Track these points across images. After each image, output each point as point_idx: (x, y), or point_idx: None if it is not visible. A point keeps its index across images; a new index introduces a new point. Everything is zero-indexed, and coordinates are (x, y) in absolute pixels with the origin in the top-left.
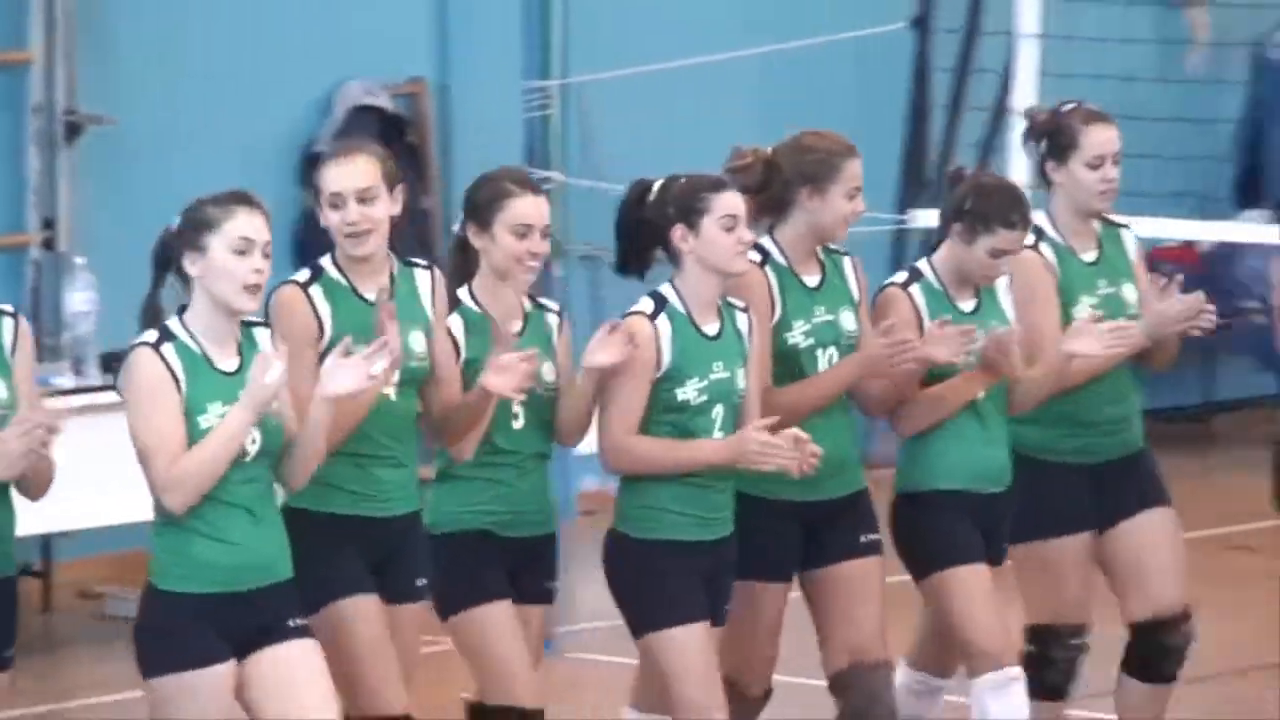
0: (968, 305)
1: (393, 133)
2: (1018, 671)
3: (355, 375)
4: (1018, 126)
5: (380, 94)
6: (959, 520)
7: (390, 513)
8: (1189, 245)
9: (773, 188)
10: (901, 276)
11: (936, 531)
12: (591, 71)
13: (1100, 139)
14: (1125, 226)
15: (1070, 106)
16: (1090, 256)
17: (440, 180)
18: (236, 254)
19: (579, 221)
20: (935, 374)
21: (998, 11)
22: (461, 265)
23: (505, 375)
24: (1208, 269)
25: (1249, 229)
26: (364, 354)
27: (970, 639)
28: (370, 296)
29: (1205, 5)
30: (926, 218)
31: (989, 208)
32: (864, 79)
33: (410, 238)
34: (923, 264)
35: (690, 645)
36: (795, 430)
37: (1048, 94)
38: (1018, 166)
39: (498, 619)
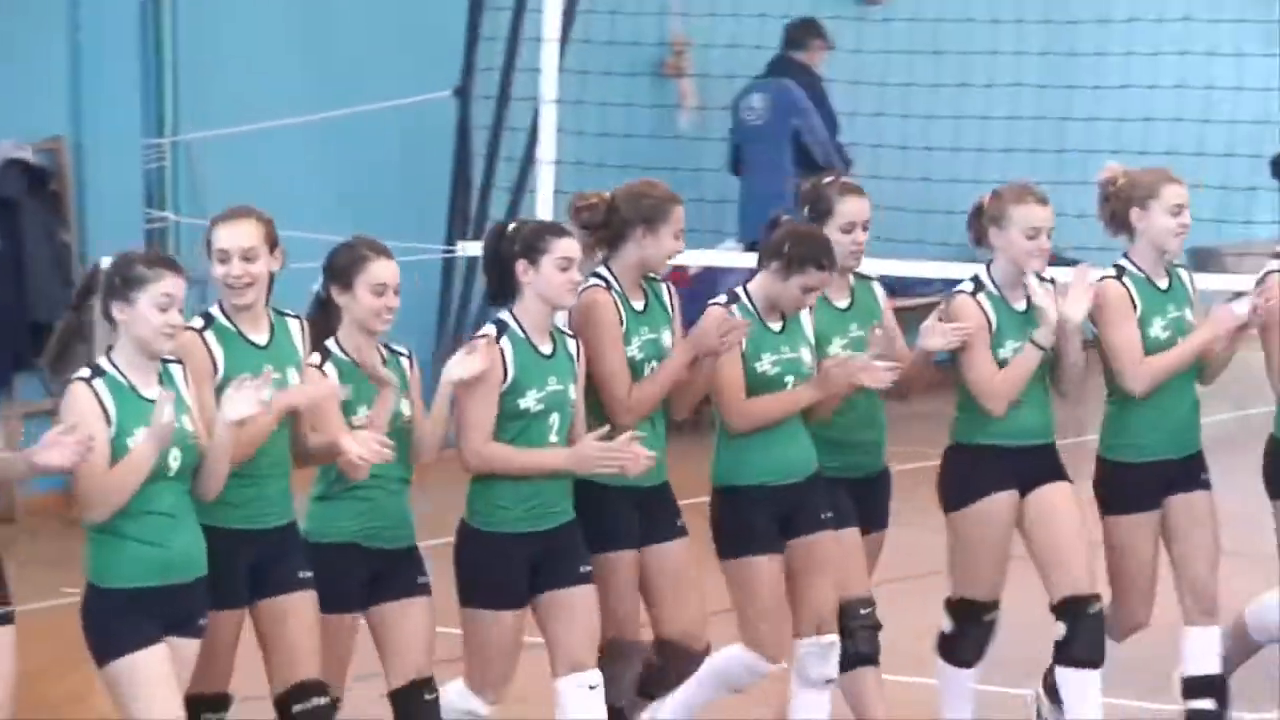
0: (776, 327)
1: (38, 182)
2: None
3: (249, 401)
4: (543, 174)
5: (26, 149)
6: (759, 514)
7: (275, 523)
8: (682, 269)
9: (611, 225)
10: (723, 299)
11: (740, 523)
12: (198, 130)
13: (853, 208)
14: (876, 279)
15: (830, 180)
16: (843, 304)
17: (76, 220)
18: (160, 309)
19: (187, 253)
20: (754, 387)
21: (524, 81)
22: (322, 321)
23: (361, 446)
24: (697, 286)
25: (725, 256)
26: (254, 384)
27: (745, 622)
28: (254, 339)
29: (691, 76)
30: (470, 248)
31: (805, 251)
32: (419, 135)
33: (52, 264)
34: (740, 290)
35: (494, 630)
36: (632, 433)
37: (565, 148)
38: (543, 206)
39: (349, 629)
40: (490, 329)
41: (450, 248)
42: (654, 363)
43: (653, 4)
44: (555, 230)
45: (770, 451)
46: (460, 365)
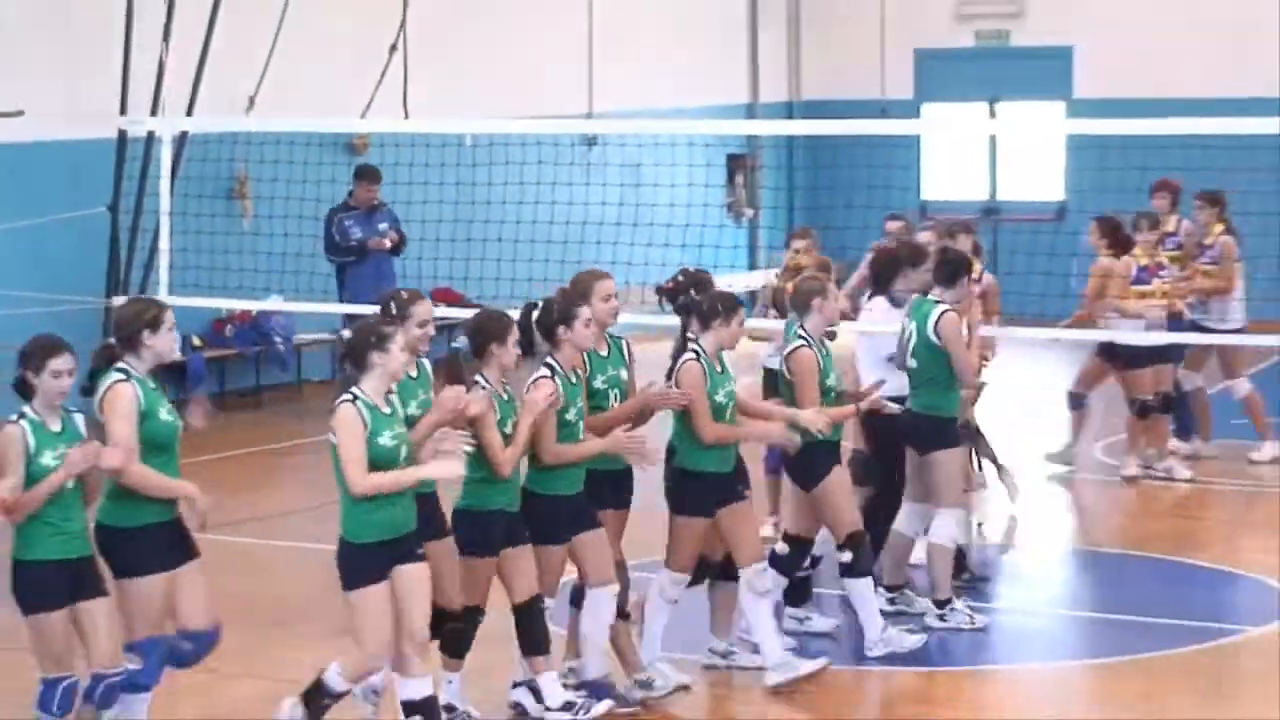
0: (718, 368)
1: None
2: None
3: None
4: (162, 259)
5: None
6: (706, 490)
7: (426, 492)
8: (247, 311)
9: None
10: (690, 355)
11: (693, 495)
12: None
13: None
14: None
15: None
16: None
17: None
18: (402, 351)
19: None
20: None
21: (150, 201)
22: (457, 365)
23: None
24: (251, 324)
25: (273, 304)
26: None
27: (679, 555)
28: (412, 374)
29: (249, 198)
30: (118, 301)
31: (726, 299)
32: (87, 235)
33: None
34: (697, 347)
35: (558, 555)
36: (643, 434)
37: (176, 242)
38: (163, 277)
39: (492, 566)
40: (545, 370)
41: (108, 300)
42: (614, 390)
43: (226, 154)
44: (579, 303)
45: (718, 450)
46: (475, 404)
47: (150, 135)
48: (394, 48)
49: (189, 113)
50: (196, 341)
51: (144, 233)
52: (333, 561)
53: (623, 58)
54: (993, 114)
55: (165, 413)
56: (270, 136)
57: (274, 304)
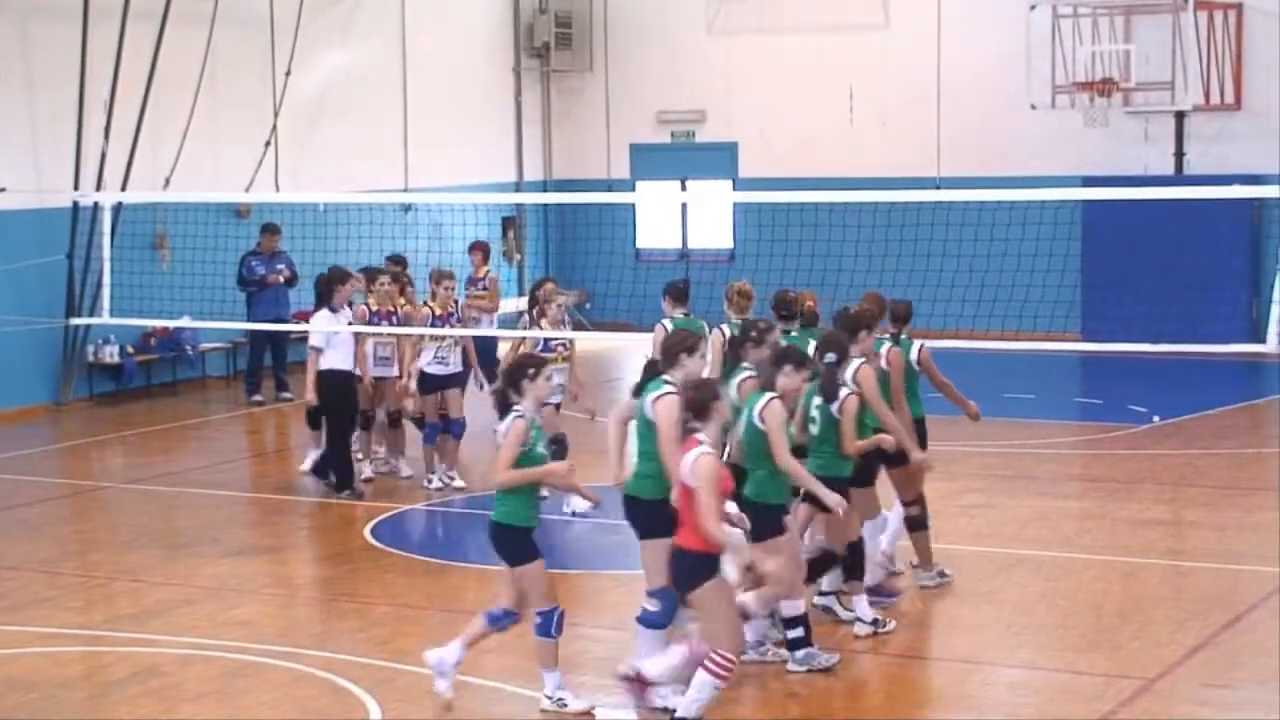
0: None
1: None
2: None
3: None
4: (104, 293)
5: None
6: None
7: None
8: (165, 328)
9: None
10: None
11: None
12: None
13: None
14: None
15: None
16: None
17: None
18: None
19: None
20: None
21: (95, 250)
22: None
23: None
24: (170, 336)
25: (185, 321)
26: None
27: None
28: None
29: (168, 249)
30: (74, 321)
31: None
32: (50, 276)
33: None
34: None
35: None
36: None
37: (118, 277)
38: (105, 306)
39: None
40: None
41: (67, 321)
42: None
43: (149, 218)
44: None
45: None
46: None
47: (95, 205)
48: (268, 143)
49: (123, 188)
50: (130, 349)
51: (92, 273)
52: (226, 497)
53: (430, 149)
54: (684, 188)
55: None
56: (181, 205)
57: (185, 322)
